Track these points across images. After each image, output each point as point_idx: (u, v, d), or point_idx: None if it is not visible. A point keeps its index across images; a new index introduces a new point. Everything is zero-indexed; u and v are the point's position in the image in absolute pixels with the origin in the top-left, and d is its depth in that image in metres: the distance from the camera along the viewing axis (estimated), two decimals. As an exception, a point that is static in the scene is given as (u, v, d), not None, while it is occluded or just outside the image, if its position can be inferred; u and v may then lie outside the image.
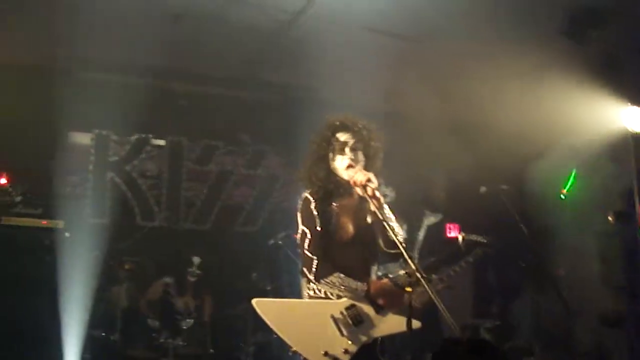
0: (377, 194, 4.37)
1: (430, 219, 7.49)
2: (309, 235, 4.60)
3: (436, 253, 7.05)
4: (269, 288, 8.51)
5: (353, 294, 4.46)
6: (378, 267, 4.85)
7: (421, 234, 7.30)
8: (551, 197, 8.85)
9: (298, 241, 4.72)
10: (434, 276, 6.33)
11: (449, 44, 7.98)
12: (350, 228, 4.68)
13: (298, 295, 5.04)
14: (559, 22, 7.45)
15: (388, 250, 4.53)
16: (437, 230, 8.10)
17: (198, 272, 8.56)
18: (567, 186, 8.87)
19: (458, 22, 7.52)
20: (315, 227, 4.60)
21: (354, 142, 4.70)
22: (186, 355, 7.97)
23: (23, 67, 8.51)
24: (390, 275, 4.50)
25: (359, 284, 4.46)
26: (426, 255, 7.44)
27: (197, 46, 8.41)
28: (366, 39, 7.97)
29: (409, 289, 3.95)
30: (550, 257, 7.78)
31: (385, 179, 7.25)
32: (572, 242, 8.31)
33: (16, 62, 8.42)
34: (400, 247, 4.03)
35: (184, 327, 8.06)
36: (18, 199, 7.25)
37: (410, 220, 7.34)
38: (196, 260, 8.57)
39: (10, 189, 7.13)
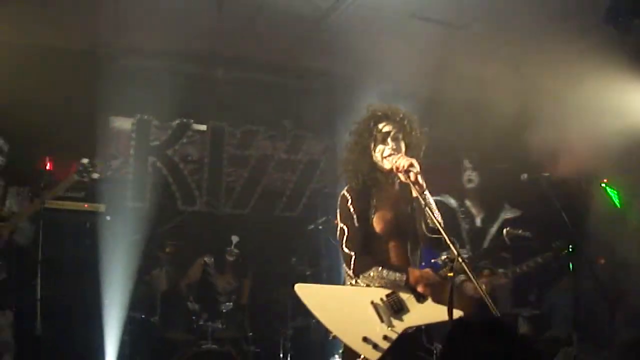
0: (420, 179, 4.36)
1: (507, 213, 7.41)
2: (346, 232, 4.64)
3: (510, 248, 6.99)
4: (308, 273, 8.52)
5: (393, 285, 4.48)
6: (421, 256, 4.85)
7: (495, 227, 7.24)
8: (593, 185, 8.77)
9: (337, 238, 4.77)
10: (500, 270, 6.38)
11: (493, 32, 7.94)
12: (390, 221, 4.68)
13: (337, 279, 5.07)
14: (602, 10, 7.37)
15: (430, 236, 4.52)
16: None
17: (236, 251, 8.66)
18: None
19: (501, 9, 7.48)
20: (353, 224, 4.63)
21: (395, 132, 4.71)
22: (225, 338, 8.01)
23: (66, 52, 8.58)
24: (433, 261, 4.50)
25: (398, 275, 4.46)
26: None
27: (240, 33, 8.42)
28: (408, 25, 7.95)
29: (450, 274, 3.97)
30: (590, 245, 7.71)
31: (474, 163, 7.26)
32: (613, 231, 8.23)
33: (59, 48, 8.49)
34: (442, 232, 4.03)
35: (223, 310, 8.11)
36: (95, 176, 7.23)
37: (488, 211, 7.31)
38: (235, 239, 8.71)
39: (89, 166, 7.09)
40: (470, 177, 7.29)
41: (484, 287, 3.93)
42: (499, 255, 6.83)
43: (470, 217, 7.19)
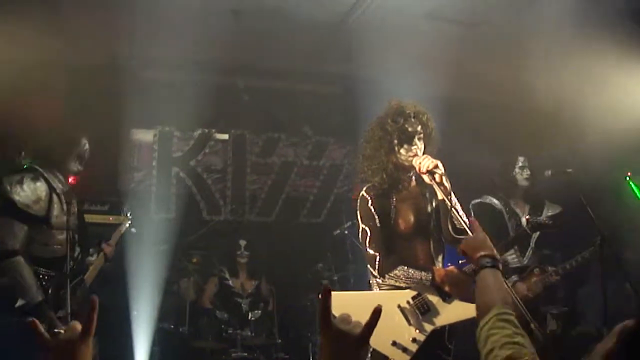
0: (445, 180, 4.35)
1: (549, 210, 7.42)
2: (369, 233, 4.65)
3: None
4: (335, 278, 8.52)
5: (419, 284, 4.47)
6: (444, 255, 4.85)
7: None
8: (617, 180, 8.71)
9: (360, 239, 4.76)
10: (550, 268, 6.41)
11: (510, 29, 7.89)
12: (411, 219, 4.70)
13: (364, 284, 5.06)
14: (621, 4, 7.32)
15: (457, 237, 4.51)
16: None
17: (247, 252, 8.77)
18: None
19: (519, 6, 7.45)
20: (375, 224, 4.65)
21: (420, 132, 4.70)
22: (254, 346, 8.02)
23: (87, 66, 8.60)
24: (461, 262, 4.49)
25: (424, 273, 4.47)
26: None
27: (258, 41, 8.42)
28: (425, 26, 7.92)
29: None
30: (618, 241, 7.65)
31: (528, 161, 7.32)
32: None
33: (80, 62, 8.52)
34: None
35: (252, 319, 8.13)
36: None
37: (532, 210, 7.32)
38: (242, 242, 8.84)
39: None
40: (524, 175, 7.26)
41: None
42: (541, 254, 6.90)
43: (516, 218, 7.17)
